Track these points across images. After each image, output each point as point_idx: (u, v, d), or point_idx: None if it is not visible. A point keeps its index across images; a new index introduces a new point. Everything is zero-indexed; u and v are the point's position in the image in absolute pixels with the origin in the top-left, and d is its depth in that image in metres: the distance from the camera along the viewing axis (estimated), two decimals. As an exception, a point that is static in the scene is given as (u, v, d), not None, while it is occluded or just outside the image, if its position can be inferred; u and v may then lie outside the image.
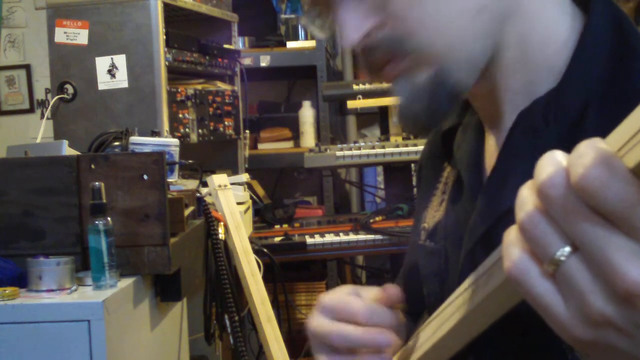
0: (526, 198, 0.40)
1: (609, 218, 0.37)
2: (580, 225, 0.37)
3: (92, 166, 1.45)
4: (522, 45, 0.68)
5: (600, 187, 0.36)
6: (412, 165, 2.76)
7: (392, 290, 0.70)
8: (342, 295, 0.72)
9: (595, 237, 0.37)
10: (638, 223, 0.36)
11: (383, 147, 2.52)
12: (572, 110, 0.65)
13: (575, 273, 0.38)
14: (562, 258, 0.38)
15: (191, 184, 2.03)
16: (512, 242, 0.41)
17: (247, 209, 2.39)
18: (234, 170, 2.61)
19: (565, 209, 0.38)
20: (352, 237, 2.47)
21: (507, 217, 0.64)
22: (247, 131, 2.72)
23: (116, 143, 1.83)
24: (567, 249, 0.38)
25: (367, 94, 2.65)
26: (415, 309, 0.85)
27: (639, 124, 0.35)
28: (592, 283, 0.37)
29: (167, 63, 2.09)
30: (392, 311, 0.69)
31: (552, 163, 0.39)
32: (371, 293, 0.72)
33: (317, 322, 0.71)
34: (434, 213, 0.82)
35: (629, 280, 0.35)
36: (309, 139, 3.18)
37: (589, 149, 0.37)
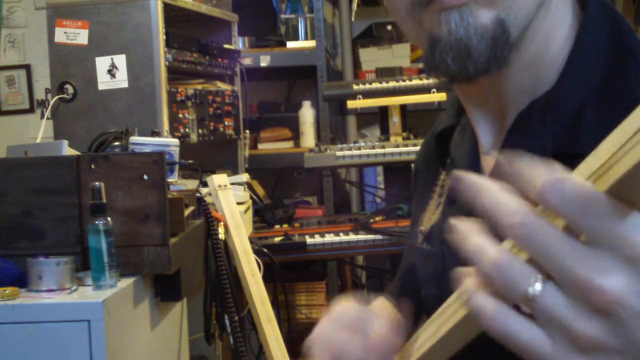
0: (482, 245, 0.40)
1: (571, 229, 0.36)
2: (546, 249, 0.36)
3: (92, 166, 1.45)
4: (545, 40, 0.67)
5: (560, 200, 0.35)
6: (412, 165, 2.75)
7: (402, 313, 0.68)
8: (345, 336, 0.68)
9: (562, 256, 0.36)
10: (595, 228, 0.35)
11: (383, 147, 2.52)
12: (569, 111, 0.65)
13: (553, 303, 0.37)
14: (537, 292, 0.37)
15: (191, 184, 2.03)
16: (478, 295, 0.40)
17: (247, 209, 2.39)
18: (234, 170, 2.61)
19: (529, 236, 0.37)
20: (352, 237, 2.47)
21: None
22: (247, 131, 2.72)
23: (116, 143, 1.83)
24: (538, 282, 0.37)
25: (367, 94, 2.65)
26: (414, 311, 0.85)
27: (610, 152, 0.35)
28: (572, 308, 0.36)
29: (167, 63, 2.09)
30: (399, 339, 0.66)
31: (507, 202, 0.38)
32: (381, 322, 0.67)
33: (321, 344, 0.69)
34: (431, 216, 0.82)
35: (606, 291, 0.35)
36: (309, 139, 3.18)
37: (542, 174, 0.37)
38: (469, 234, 0.41)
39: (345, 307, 0.73)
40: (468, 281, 0.41)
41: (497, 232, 0.40)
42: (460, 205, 0.75)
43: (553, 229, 0.37)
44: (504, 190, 0.39)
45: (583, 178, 0.37)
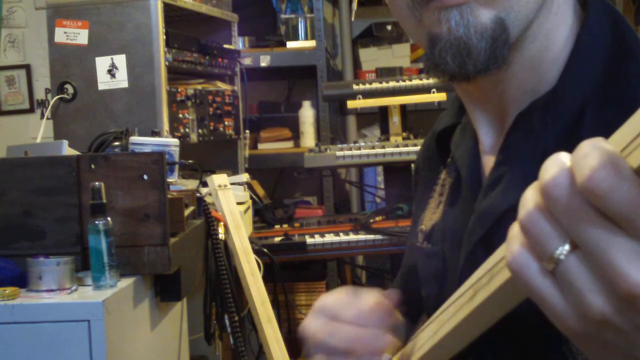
0: (529, 197, 0.40)
1: (612, 219, 0.36)
2: (582, 225, 0.37)
3: (92, 166, 1.45)
4: (546, 41, 0.67)
5: (607, 189, 0.35)
6: (412, 165, 2.76)
7: (391, 294, 0.69)
8: (340, 297, 0.71)
9: (598, 238, 0.37)
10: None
11: (383, 147, 2.51)
12: (570, 111, 0.65)
13: (574, 272, 0.38)
14: (562, 257, 0.38)
15: (191, 184, 2.03)
16: (513, 237, 0.42)
17: (247, 209, 2.39)
18: (234, 170, 2.61)
19: (568, 210, 0.38)
20: (352, 237, 2.47)
21: (506, 218, 0.64)
22: (247, 131, 2.72)
23: (116, 143, 1.83)
24: (567, 247, 0.38)
25: (367, 94, 2.65)
26: (414, 311, 0.85)
27: None
28: (591, 282, 0.37)
29: (167, 63, 2.09)
30: (390, 314, 0.68)
31: (556, 164, 0.39)
32: (369, 296, 0.70)
33: (313, 323, 0.71)
34: (431, 215, 0.82)
35: (632, 282, 0.35)
36: (309, 139, 3.18)
37: (593, 149, 0.36)
38: (530, 187, 0.41)
39: (337, 291, 0.74)
40: (512, 228, 0.42)
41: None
42: (461, 204, 0.74)
43: (593, 209, 0.37)
44: (557, 161, 0.39)
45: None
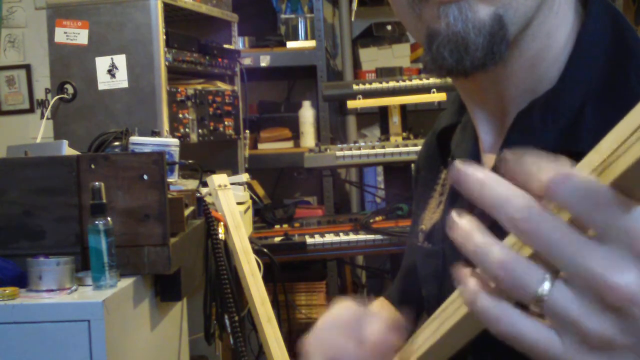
0: (486, 243, 0.38)
1: (585, 228, 0.35)
2: (556, 244, 0.36)
3: (92, 166, 1.45)
4: (547, 40, 0.68)
5: (569, 194, 0.35)
6: (412, 165, 2.76)
7: (399, 323, 0.67)
8: (340, 340, 0.68)
9: (574, 253, 0.35)
10: (610, 226, 0.35)
11: (383, 147, 2.52)
12: (569, 111, 0.65)
13: (563, 301, 0.36)
14: (546, 291, 0.37)
15: (191, 184, 2.03)
16: (482, 295, 0.39)
17: (247, 209, 2.39)
18: (234, 170, 2.61)
19: (542, 230, 0.36)
20: (352, 237, 2.47)
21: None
22: (247, 131, 2.72)
23: (116, 143, 1.83)
24: (547, 281, 0.37)
25: (367, 94, 2.65)
26: (414, 311, 0.84)
27: (622, 137, 0.35)
28: (583, 306, 0.36)
29: (167, 63, 2.09)
30: (395, 339, 0.66)
31: (514, 198, 0.37)
32: (375, 330, 0.66)
33: (315, 344, 0.69)
34: (432, 215, 0.82)
35: (618, 288, 0.34)
36: (309, 139, 3.18)
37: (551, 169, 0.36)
38: (471, 231, 0.39)
39: (342, 308, 0.72)
40: (470, 281, 0.40)
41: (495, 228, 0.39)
42: (462, 203, 0.74)
43: (561, 223, 0.36)
44: (508, 184, 0.38)
45: (585, 173, 0.37)
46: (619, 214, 0.34)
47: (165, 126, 2.07)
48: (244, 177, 2.48)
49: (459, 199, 0.76)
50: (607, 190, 0.35)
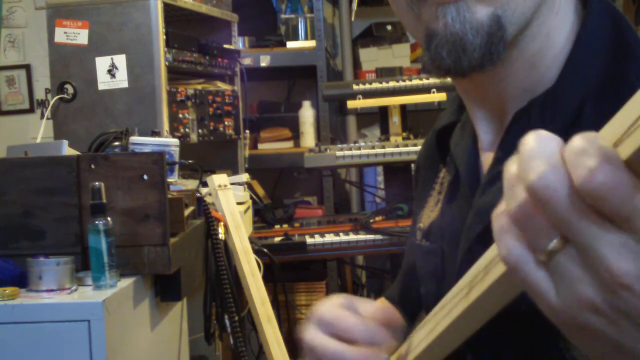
0: (517, 184, 0.40)
1: (606, 216, 0.36)
2: (574, 224, 0.37)
3: (92, 166, 1.45)
4: (547, 40, 0.68)
5: (606, 190, 0.35)
6: (412, 165, 2.76)
7: (390, 310, 0.68)
8: (339, 310, 0.69)
9: (587, 234, 0.37)
10: (633, 217, 0.36)
11: (383, 147, 2.52)
12: (569, 110, 0.65)
13: (567, 264, 0.39)
14: (555, 250, 0.39)
15: (191, 184, 2.03)
16: (505, 230, 0.41)
17: (247, 209, 2.39)
18: (234, 170, 2.61)
19: (560, 210, 0.37)
20: (352, 237, 2.47)
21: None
22: (247, 131, 2.72)
23: (116, 143, 1.83)
24: (560, 241, 0.39)
25: (367, 94, 2.65)
26: (414, 308, 0.85)
27: (634, 116, 0.35)
28: (582, 273, 0.38)
29: (167, 63, 2.09)
30: (388, 330, 0.67)
31: (544, 158, 0.39)
32: (368, 309, 0.69)
33: (313, 337, 0.69)
34: (430, 213, 0.82)
35: (618, 273, 0.36)
36: (309, 139, 3.18)
37: (589, 147, 0.36)
38: (512, 164, 0.41)
39: (334, 298, 0.73)
40: (497, 218, 0.42)
41: None
42: (459, 202, 0.74)
43: (585, 207, 0.37)
44: (544, 154, 0.40)
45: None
46: (637, 198, 0.35)
47: (165, 126, 2.07)
48: (244, 177, 2.48)
49: (457, 197, 0.76)
50: (627, 174, 0.36)
